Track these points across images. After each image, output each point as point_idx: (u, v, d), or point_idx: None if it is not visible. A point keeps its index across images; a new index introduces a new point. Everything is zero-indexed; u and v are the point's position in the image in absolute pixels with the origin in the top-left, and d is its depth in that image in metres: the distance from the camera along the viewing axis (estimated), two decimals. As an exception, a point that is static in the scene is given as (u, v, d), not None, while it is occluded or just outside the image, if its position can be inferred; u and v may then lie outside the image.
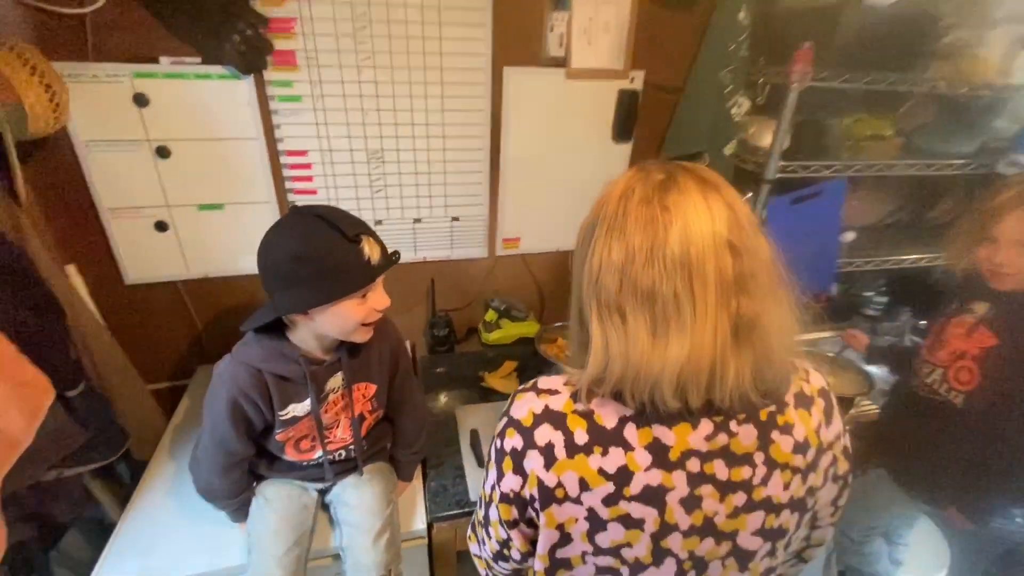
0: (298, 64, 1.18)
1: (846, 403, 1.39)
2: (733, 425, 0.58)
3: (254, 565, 0.91)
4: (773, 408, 0.59)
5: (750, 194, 1.33)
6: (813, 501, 0.62)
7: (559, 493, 0.58)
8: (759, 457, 0.58)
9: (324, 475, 1.01)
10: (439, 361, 1.52)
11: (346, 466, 1.03)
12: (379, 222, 1.42)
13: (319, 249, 0.81)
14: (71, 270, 1.23)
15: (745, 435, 0.58)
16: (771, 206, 1.23)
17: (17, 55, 0.89)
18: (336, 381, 0.96)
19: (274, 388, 0.90)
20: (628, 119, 1.43)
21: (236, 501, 0.98)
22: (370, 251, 0.84)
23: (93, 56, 1.07)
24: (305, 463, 0.99)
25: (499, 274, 1.61)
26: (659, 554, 0.58)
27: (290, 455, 0.97)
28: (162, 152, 1.19)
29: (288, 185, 1.31)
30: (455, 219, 1.47)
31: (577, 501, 0.58)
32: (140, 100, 1.13)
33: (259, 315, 0.85)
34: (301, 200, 1.34)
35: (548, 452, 0.58)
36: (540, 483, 0.59)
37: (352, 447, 1.01)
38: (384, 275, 0.90)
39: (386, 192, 1.38)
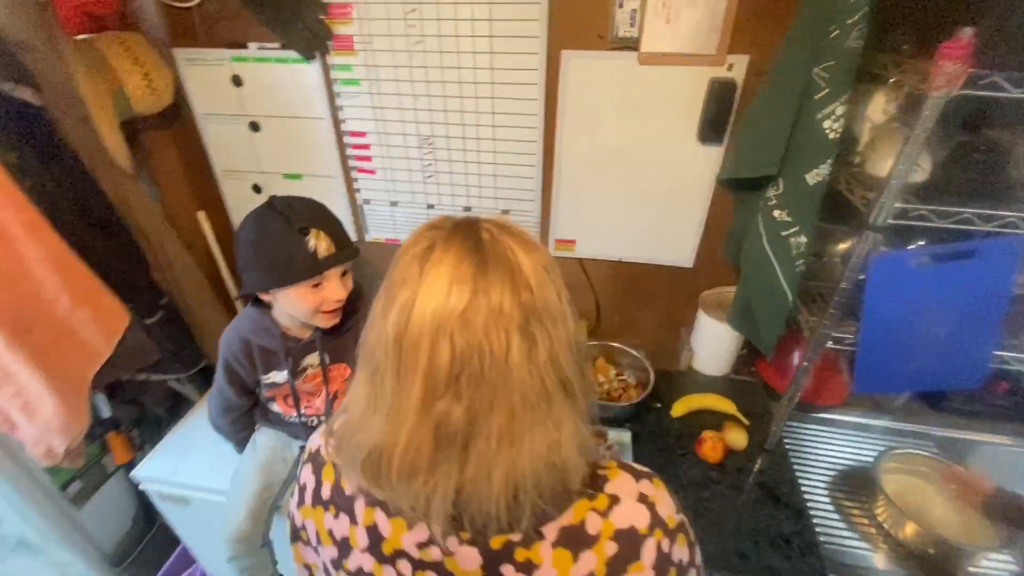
0: (355, 48, 1.22)
1: (964, 555, 0.98)
2: (452, 542, 0.48)
3: (228, 497, 1.08)
4: (515, 538, 0.47)
5: (849, 243, 0.96)
6: None
7: (303, 535, 0.59)
8: None
9: (299, 435, 1.12)
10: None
11: None
12: (431, 206, 1.43)
13: (268, 239, 0.87)
14: (201, 216, 1.54)
15: (465, 558, 0.48)
16: (881, 263, 0.86)
17: (125, 48, 1.10)
18: (314, 359, 1.04)
19: (258, 356, 1.02)
20: (721, 116, 1.14)
21: (236, 438, 1.16)
22: (316, 243, 0.88)
23: (203, 42, 1.27)
24: (289, 419, 1.11)
25: (553, 275, 1.50)
26: None
27: (280, 407, 1.10)
28: (254, 126, 1.37)
29: (351, 164, 1.40)
30: (505, 212, 1.40)
31: (316, 551, 0.57)
32: (236, 81, 1.31)
33: (241, 292, 0.96)
34: (363, 179, 1.42)
35: (301, 492, 0.58)
36: (292, 518, 0.60)
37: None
38: (342, 267, 0.93)
39: (437, 178, 1.37)
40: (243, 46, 1.26)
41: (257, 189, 1.48)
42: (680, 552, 0.49)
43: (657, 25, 1.06)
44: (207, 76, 1.31)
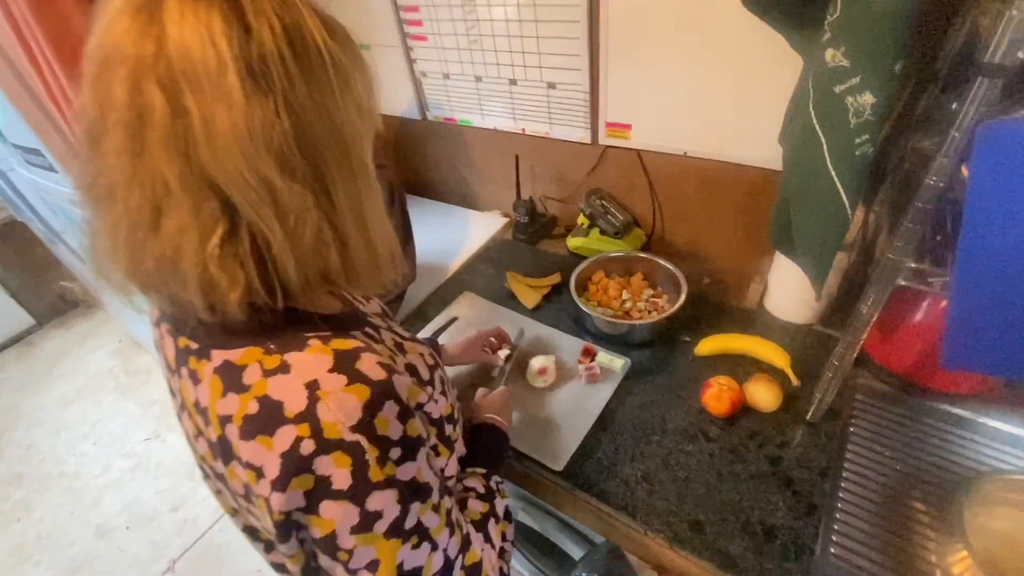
0: None
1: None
2: (163, 327, 0.53)
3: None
4: (192, 345, 0.47)
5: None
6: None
7: None
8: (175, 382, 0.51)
9: None
10: (505, 250, 1.40)
11: None
12: (479, 79, 1.30)
13: None
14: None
15: (167, 346, 0.51)
16: (992, 137, 0.49)
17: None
18: None
19: None
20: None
21: None
22: None
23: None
24: None
25: (608, 169, 1.26)
26: None
27: None
28: (329, -7, 1.39)
29: (406, 30, 1.34)
30: (551, 86, 1.19)
31: None
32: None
33: None
34: (418, 47, 1.35)
35: None
36: None
37: None
38: None
39: (482, 43, 1.23)
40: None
41: (339, 62, 1.54)
42: (328, 467, 0.40)
43: None
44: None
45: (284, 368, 0.41)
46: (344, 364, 0.42)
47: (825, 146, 0.62)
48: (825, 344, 1.00)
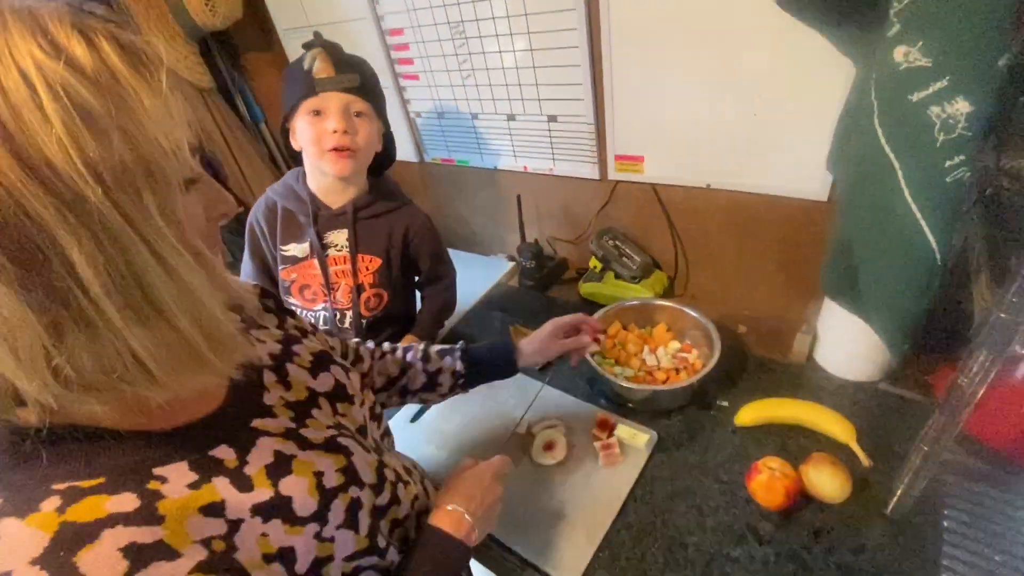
0: (376, -80, 1.04)
1: None
2: None
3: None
4: None
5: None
6: None
7: None
8: None
9: (330, 329, 1.05)
10: (512, 297, 1.26)
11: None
12: (475, 116, 1.19)
13: (287, 67, 0.93)
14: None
15: None
16: None
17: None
18: (340, 237, 0.99)
19: (281, 221, 1.00)
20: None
21: None
22: (313, 62, 0.89)
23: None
24: (311, 315, 1.04)
25: (621, 206, 1.13)
26: None
27: (296, 299, 1.04)
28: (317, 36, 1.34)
29: (397, 69, 1.25)
30: (552, 119, 1.08)
31: None
32: (296, -13, 1.27)
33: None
34: (410, 87, 1.27)
35: None
36: None
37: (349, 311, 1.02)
38: (344, 97, 0.89)
39: (475, 77, 1.13)
40: (293, -53, 1.20)
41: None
42: None
43: None
44: (278, -12, 1.31)
45: None
46: (57, 555, 0.27)
47: (900, 173, 0.47)
48: (898, 409, 0.82)
